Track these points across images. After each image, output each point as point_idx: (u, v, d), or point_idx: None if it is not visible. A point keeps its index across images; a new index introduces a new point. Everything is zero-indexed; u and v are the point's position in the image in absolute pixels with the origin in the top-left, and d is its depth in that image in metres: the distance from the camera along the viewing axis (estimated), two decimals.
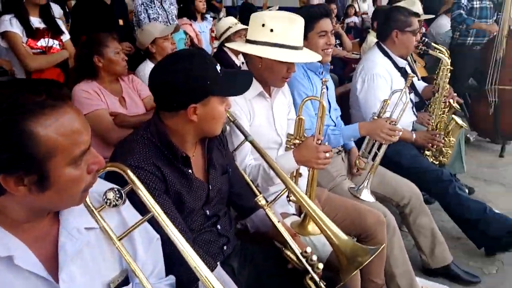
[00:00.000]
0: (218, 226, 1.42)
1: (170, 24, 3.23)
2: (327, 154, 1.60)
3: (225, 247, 1.44)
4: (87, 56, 2.21)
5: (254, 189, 1.60)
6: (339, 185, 2.17)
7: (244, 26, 3.32)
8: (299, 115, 1.69)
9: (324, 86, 1.63)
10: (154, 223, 1.06)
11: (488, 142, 4.55)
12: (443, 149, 2.67)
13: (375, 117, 2.18)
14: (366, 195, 2.10)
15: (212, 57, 1.37)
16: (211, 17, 6.76)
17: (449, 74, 2.62)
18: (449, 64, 2.62)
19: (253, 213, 1.59)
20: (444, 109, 2.67)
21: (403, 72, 2.64)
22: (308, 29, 2.01)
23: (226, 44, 3.38)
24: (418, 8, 3.23)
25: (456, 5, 4.12)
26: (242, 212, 1.61)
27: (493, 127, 4.13)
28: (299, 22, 1.74)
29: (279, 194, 1.58)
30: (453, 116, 2.74)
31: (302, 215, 1.71)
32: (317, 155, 1.60)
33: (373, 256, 1.31)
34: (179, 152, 1.29)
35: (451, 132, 2.66)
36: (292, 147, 1.70)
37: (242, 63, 3.53)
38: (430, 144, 2.60)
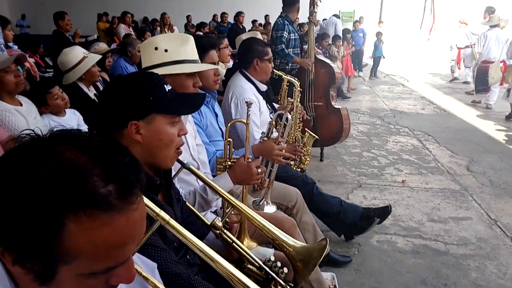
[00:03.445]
0: (188, 257, 1.39)
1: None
2: (259, 170, 1.75)
3: (196, 277, 1.41)
4: None
5: (199, 214, 1.60)
6: None
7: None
8: (226, 138, 1.79)
9: (250, 109, 1.77)
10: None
11: None
12: (303, 158, 3.15)
13: (265, 138, 2.35)
14: (268, 208, 2.30)
15: (161, 77, 1.34)
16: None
17: (300, 95, 3.12)
18: (299, 86, 3.13)
19: (204, 238, 1.59)
20: (299, 124, 3.16)
21: (264, 95, 3.00)
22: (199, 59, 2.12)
23: None
24: (261, 38, 3.70)
25: (279, 40, 4.81)
26: None
27: None
28: (190, 39, 1.85)
29: (226, 213, 1.65)
30: (306, 129, 3.26)
31: (236, 233, 1.80)
32: (250, 171, 1.73)
33: (324, 255, 1.52)
34: (154, 179, 1.23)
35: (306, 143, 3.15)
36: (225, 168, 1.78)
37: (95, 94, 3.31)
38: (293, 155, 3.04)
